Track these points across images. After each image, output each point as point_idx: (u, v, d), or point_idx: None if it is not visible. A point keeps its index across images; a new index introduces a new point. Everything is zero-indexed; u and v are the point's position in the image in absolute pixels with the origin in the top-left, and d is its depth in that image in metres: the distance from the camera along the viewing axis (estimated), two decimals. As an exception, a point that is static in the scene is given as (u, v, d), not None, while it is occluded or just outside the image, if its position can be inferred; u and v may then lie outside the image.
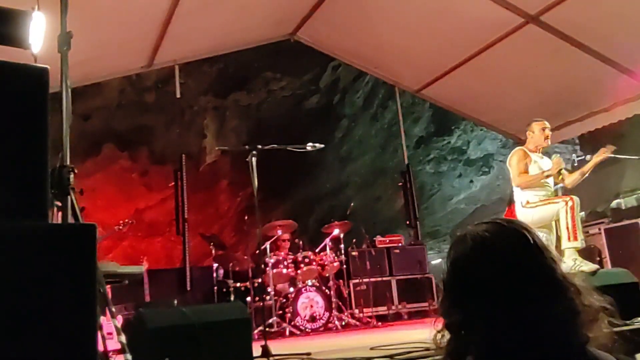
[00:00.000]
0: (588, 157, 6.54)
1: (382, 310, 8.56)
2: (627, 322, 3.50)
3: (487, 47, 8.14)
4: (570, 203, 5.45)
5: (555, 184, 5.99)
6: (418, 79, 9.65)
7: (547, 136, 5.88)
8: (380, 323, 7.83)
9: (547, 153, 6.10)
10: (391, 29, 8.35)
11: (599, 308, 1.28)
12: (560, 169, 5.72)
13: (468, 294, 1.31)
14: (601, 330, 1.26)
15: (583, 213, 8.03)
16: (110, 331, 3.44)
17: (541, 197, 5.72)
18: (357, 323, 7.67)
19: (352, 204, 9.04)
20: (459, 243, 1.36)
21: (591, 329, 1.25)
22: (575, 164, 6.63)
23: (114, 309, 3.01)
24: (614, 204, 7.97)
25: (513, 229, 1.33)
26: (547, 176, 5.71)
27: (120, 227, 7.55)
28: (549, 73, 8.19)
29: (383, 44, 8.82)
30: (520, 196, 5.85)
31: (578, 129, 9.09)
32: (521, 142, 8.45)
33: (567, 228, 5.40)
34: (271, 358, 3.60)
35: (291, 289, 7.80)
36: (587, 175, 5.90)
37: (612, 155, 5.86)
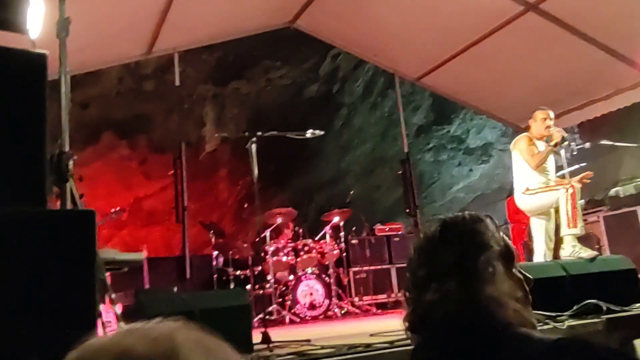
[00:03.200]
0: (587, 145, 6.54)
1: (382, 298, 8.57)
2: (626, 308, 3.51)
3: (487, 35, 8.11)
4: (570, 190, 5.46)
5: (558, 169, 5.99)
6: (418, 67, 9.62)
7: (548, 126, 5.85)
8: (380, 311, 7.86)
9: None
10: (391, 17, 8.31)
11: (507, 293, 1.40)
12: (563, 136, 5.70)
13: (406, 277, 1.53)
14: (510, 313, 1.37)
15: (583, 201, 8.03)
16: (110, 318, 3.46)
17: (541, 184, 5.73)
18: (357, 311, 7.70)
19: (351, 192, 9.04)
20: None
21: (501, 313, 1.36)
22: (575, 152, 6.62)
23: (114, 296, 3.02)
24: (612, 192, 7.97)
25: (442, 224, 1.50)
26: (555, 145, 5.69)
27: (113, 216, 7.49)
28: (548, 61, 8.17)
29: (382, 32, 8.78)
30: (520, 183, 5.85)
31: (577, 117, 9.08)
32: (520, 130, 8.44)
33: (567, 215, 5.41)
34: (271, 345, 3.60)
35: (291, 277, 7.81)
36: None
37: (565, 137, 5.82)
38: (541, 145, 5.85)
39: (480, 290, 1.37)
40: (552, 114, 5.90)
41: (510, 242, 1.51)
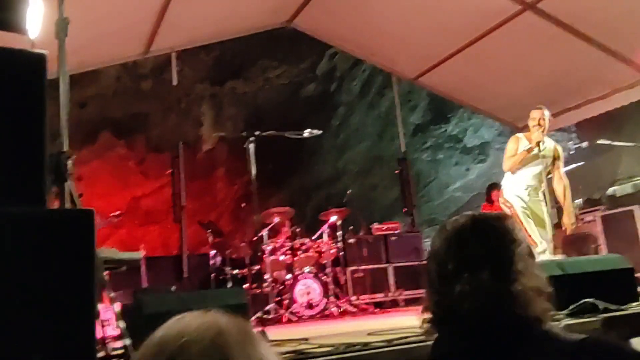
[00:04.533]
0: (584, 144, 6.53)
1: (379, 297, 8.57)
2: (622, 307, 3.51)
3: (484, 35, 8.12)
4: (510, 212, 5.44)
5: (548, 174, 5.85)
6: (415, 67, 9.62)
7: (537, 125, 5.59)
8: (377, 310, 7.86)
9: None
10: (388, 17, 8.32)
11: (535, 290, 1.42)
12: (539, 142, 5.51)
13: (431, 270, 1.52)
14: (538, 309, 1.39)
15: (580, 200, 8.04)
16: (109, 317, 3.46)
17: (525, 186, 5.67)
18: (354, 310, 7.69)
19: (349, 192, 9.04)
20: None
21: (531, 308, 1.38)
22: (572, 152, 6.60)
23: (112, 295, 3.02)
24: (609, 191, 7.98)
25: (469, 221, 1.51)
26: (529, 150, 5.55)
27: (113, 220, 7.49)
28: (546, 60, 8.18)
29: (380, 31, 8.79)
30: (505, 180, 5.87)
31: (575, 117, 9.08)
32: (518, 129, 8.47)
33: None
34: (269, 343, 3.61)
35: (288, 276, 7.81)
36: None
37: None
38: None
39: (513, 282, 1.38)
40: (546, 114, 5.70)
41: (530, 245, 1.53)
